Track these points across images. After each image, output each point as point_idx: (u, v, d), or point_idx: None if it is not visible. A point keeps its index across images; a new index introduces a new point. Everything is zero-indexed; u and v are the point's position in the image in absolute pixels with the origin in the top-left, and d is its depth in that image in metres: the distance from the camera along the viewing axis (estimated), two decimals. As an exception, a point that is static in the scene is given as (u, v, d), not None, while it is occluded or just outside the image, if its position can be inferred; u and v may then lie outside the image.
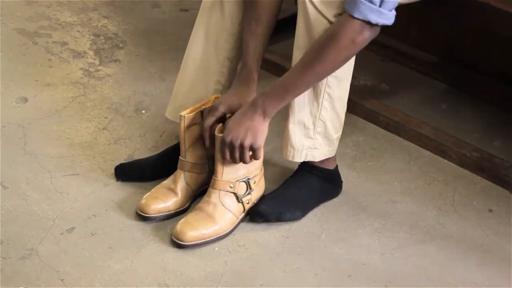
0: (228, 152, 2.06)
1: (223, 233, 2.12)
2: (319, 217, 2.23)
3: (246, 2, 2.17)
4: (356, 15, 1.93)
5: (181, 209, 2.20)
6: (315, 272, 2.05)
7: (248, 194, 2.16)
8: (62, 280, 1.99)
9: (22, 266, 2.02)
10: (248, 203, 2.16)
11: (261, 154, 2.10)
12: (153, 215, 2.17)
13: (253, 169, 2.16)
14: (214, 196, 2.13)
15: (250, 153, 2.07)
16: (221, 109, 2.12)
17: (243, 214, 2.17)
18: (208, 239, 2.10)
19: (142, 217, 2.17)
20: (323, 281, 2.03)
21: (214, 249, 2.11)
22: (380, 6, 1.93)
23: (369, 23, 1.94)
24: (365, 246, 2.14)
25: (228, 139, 2.05)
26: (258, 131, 2.05)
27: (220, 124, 2.10)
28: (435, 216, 2.25)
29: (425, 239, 2.17)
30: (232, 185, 2.13)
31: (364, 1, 1.92)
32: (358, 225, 2.21)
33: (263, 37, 2.16)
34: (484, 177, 2.39)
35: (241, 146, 2.05)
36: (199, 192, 2.23)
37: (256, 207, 2.17)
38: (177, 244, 2.08)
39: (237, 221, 2.15)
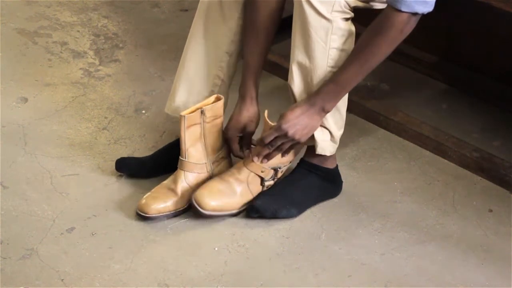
0: (275, 139, 2.12)
1: (235, 211, 2.18)
2: (319, 217, 2.23)
3: (246, 20, 2.20)
4: (403, 9, 1.96)
5: (181, 209, 2.20)
6: (315, 272, 2.05)
7: (271, 180, 2.21)
8: (62, 280, 1.99)
9: (22, 266, 2.02)
10: (266, 188, 2.22)
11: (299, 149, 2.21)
12: (153, 215, 2.17)
13: (285, 160, 2.21)
14: (243, 174, 2.18)
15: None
16: (234, 134, 2.23)
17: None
18: (222, 213, 2.15)
19: (142, 217, 2.17)
20: (323, 281, 2.03)
21: (214, 249, 2.11)
22: None
23: (416, 13, 1.97)
24: (365, 246, 2.14)
25: (284, 128, 2.10)
26: (312, 127, 2.12)
27: (267, 112, 2.17)
28: (435, 216, 2.25)
29: (425, 239, 2.17)
30: (263, 170, 2.18)
31: None
32: (358, 225, 2.21)
33: (262, 54, 2.21)
34: (484, 177, 2.39)
35: (293, 140, 2.11)
36: (199, 192, 2.24)
37: (253, 202, 2.18)
38: (197, 210, 2.12)
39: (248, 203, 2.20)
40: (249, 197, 2.19)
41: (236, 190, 2.17)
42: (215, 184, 2.16)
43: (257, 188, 2.20)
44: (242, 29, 2.26)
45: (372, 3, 2.12)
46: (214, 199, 2.13)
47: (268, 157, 2.18)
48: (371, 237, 2.16)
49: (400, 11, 1.96)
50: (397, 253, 2.12)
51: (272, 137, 2.12)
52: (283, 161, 2.21)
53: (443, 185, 2.37)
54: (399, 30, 1.99)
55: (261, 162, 2.18)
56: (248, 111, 2.22)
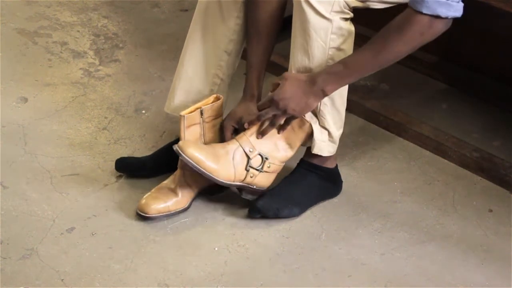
0: (268, 109, 2.09)
1: (215, 178, 2.11)
2: (319, 217, 2.23)
3: (248, 19, 2.20)
4: (424, 11, 1.90)
5: (181, 209, 2.20)
6: (315, 272, 2.05)
7: (256, 169, 2.15)
8: (62, 280, 1.99)
9: (22, 266, 2.02)
10: (251, 177, 2.15)
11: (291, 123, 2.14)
12: (153, 215, 2.17)
13: (276, 158, 2.17)
14: (232, 146, 2.14)
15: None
16: (229, 123, 2.21)
17: (237, 184, 2.15)
18: (202, 170, 2.08)
19: (142, 217, 2.17)
20: (323, 281, 2.03)
21: (214, 249, 2.11)
22: None
23: (438, 16, 1.91)
24: (365, 246, 2.14)
25: (277, 100, 2.07)
26: (307, 108, 2.08)
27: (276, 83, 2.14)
28: (435, 216, 2.25)
29: (425, 239, 2.17)
30: (252, 150, 2.14)
31: None
32: (358, 225, 2.21)
33: (265, 53, 2.21)
34: (484, 177, 2.39)
35: (284, 112, 2.08)
36: (199, 192, 2.23)
37: (254, 203, 2.18)
38: (179, 154, 2.08)
39: (229, 183, 2.14)
40: (229, 171, 2.12)
41: (218, 155, 2.10)
42: (201, 145, 2.14)
43: (241, 169, 2.13)
44: (245, 30, 2.26)
45: (371, 3, 2.12)
46: (195, 149, 2.08)
47: (262, 132, 2.14)
48: (371, 237, 2.16)
49: (421, 13, 1.90)
50: (397, 253, 2.12)
51: (265, 106, 2.10)
52: (274, 156, 2.17)
53: (443, 185, 2.37)
54: (419, 32, 1.93)
55: (257, 137, 2.14)
56: (247, 106, 2.22)
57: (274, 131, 2.15)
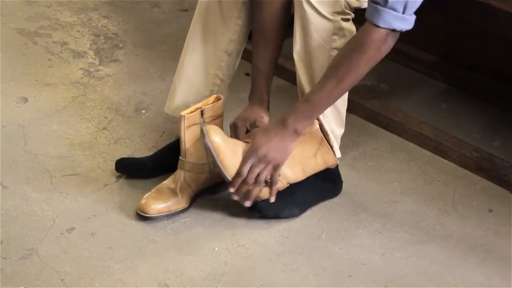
0: (252, 169, 2.04)
1: (225, 175, 2.06)
2: (319, 217, 2.23)
3: (254, 24, 2.20)
4: (381, 25, 1.92)
5: (181, 209, 2.20)
6: (315, 272, 2.05)
7: (265, 181, 2.10)
8: (62, 280, 1.99)
9: (22, 266, 2.02)
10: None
11: (277, 180, 2.09)
12: (153, 215, 2.17)
13: (285, 178, 2.14)
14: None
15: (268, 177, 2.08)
16: (240, 124, 2.16)
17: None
18: (217, 161, 2.04)
19: (142, 217, 2.17)
20: (323, 281, 2.03)
21: (214, 249, 2.11)
22: (403, 13, 1.92)
23: (393, 30, 1.94)
24: (365, 246, 2.14)
25: (255, 149, 2.04)
26: (287, 152, 2.06)
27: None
28: (435, 216, 2.25)
29: (425, 239, 2.17)
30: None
31: (389, 10, 1.90)
32: (358, 225, 2.21)
33: (272, 58, 2.19)
34: (484, 177, 2.39)
35: (267, 162, 2.04)
36: (199, 192, 2.23)
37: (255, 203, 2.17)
38: (203, 136, 2.04)
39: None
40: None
41: (239, 152, 2.06)
42: (227, 138, 2.09)
43: None
44: (246, 30, 2.26)
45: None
46: (222, 141, 2.04)
47: (248, 195, 2.09)
48: (371, 237, 2.16)
49: (378, 26, 1.92)
50: (397, 253, 2.12)
51: (248, 165, 2.05)
52: (285, 172, 2.12)
53: (443, 185, 2.37)
54: (377, 48, 1.94)
55: (243, 202, 2.10)
56: (257, 111, 2.19)
57: (295, 151, 2.08)
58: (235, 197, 2.10)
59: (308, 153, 2.12)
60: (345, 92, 2.05)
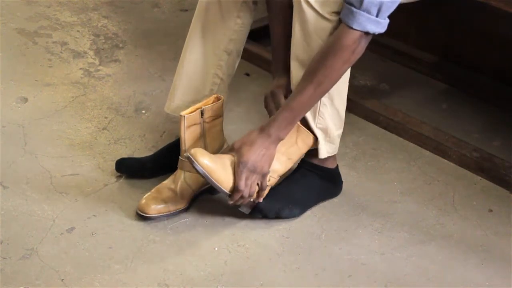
0: (244, 180, 2.07)
1: (223, 189, 2.08)
2: (319, 217, 2.23)
3: (266, 5, 2.20)
4: (355, 27, 1.95)
5: (181, 209, 2.20)
6: (315, 272, 2.05)
7: (257, 184, 2.13)
8: (62, 280, 1.99)
9: (22, 266, 2.02)
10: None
11: (266, 185, 2.13)
12: (153, 215, 2.17)
13: (275, 172, 2.15)
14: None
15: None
16: (277, 91, 2.17)
17: None
18: (212, 180, 2.07)
19: (142, 217, 2.17)
20: (323, 281, 2.03)
21: (214, 249, 2.11)
22: (377, 16, 1.96)
23: (366, 33, 1.97)
24: (365, 246, 2.14)
25: (246, 165, 2.06)
26: (271, 157, 2.09)
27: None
28: (435, 216, 2.25)
29: (425, 239, 2.17)
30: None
31: (363, 12, 1.94)
32: (358, 225, 2.21)
33: (286, 34, 2.18)
34: (484, 177, 2.39)
35: (258, 173, 2.08)
36: (199, 192, 2.23)
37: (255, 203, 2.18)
38: (191, 161, 2.06)
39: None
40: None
41: (226, 164, 2.08)
42: (211, 154, 2.11)
43: None
44: (246, 30, 2.27)
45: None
46: (209, 160, 2.07)
47: (245, 203, 2.14)
48: (371, 237, 2.16)
49: (352, 28, 1.95)
50: (397, 253, 2.12)
51: (243, 180, 2.07)
52: (273, 168, 2.13)
53: (443, 185, 2.37)
54: (351, 50, 1.97)
55: (244, 211, 2.15)
56: (286, 79, 2.19)
57: (278, 146, 2.11)
58: (244, 209, 2.17)
59: (289, 143, 2.15)
60: (325, 94, 2.07)
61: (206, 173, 2.06)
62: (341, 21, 1.98)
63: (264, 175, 2.10)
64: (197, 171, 2.07)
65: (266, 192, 2.15)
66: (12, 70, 2.83)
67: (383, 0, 1.93)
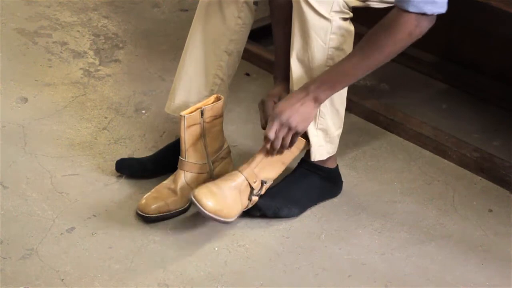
0: (275, 129, 2.06)
1: (228, 221, 2.09)
2: (319, 217, 2.23)
3: (271, 5, 2.19)
4: (411, 10, 1.91)
5: (181, 209, 2.20)
6: (315, 272, 2.05)
7: (257, 195, 2.14)
8: (62, 280, 1.99)
9: (22, 266, 2.02)
10: (251, 202, 2.15)
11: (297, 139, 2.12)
12: (153, 215, 2.17)
13: (271, 178, 2.16)
14: (238, 181, 2.10)
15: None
16: (267, 100, 2.16)
17: (240, 212, 2.15)
18: (220, 220, 2.07)
19: (142, 217, 2.17)
20: (323, 281, 2.03)
21: (214, 249, 2.11)
22: None
23: (424, 14, 1.92)
24: (365, 246, 2.14)
25: (279, 116, 2.05)
26: (308, 115, 2.06)
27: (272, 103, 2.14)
28: (435, 216, 2.25)
29: (425, 239, 2.17)
30: (255, 180, 2.12)
31: None
32: (358, 225, 2.21)
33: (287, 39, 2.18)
34: (484, 177, 2.39)
35: (289, 127, 2.06)
36: (199, 192, 2.24)
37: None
38: (197, 206, 2.05)
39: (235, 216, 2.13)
40: (237, 208, 2.11)
41: (226, 194, 2.08)
42: (211, 185, 2.09)
43: (244, 200, 2.12)
44: (246, 30, 2.26)
45: (370, 3, 2.12)
46: (210, 199, 2.06)
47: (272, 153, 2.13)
48: (371, 237, 2.16)
49: (408, 11, 1.91)
50: (397, 253, 2.12)
51: (274, 129, 2.06)
52: (269, 177, 2.15)
53: (443, 185, 2.37)
54: (407, 33, 1.94)
55: (276, 153, 2.12)
56: (282, 88, 2.20)
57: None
58: (270, 155, 2.13)
59: None
60: (371, 69, 2.03)
61: (214, 215, 2.05)
62: (395, 6, 1.93)
63: (296, 132, 2.07)
64: (204, 215, 2.05)
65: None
66: (12, 70, 2.83)
67: None
